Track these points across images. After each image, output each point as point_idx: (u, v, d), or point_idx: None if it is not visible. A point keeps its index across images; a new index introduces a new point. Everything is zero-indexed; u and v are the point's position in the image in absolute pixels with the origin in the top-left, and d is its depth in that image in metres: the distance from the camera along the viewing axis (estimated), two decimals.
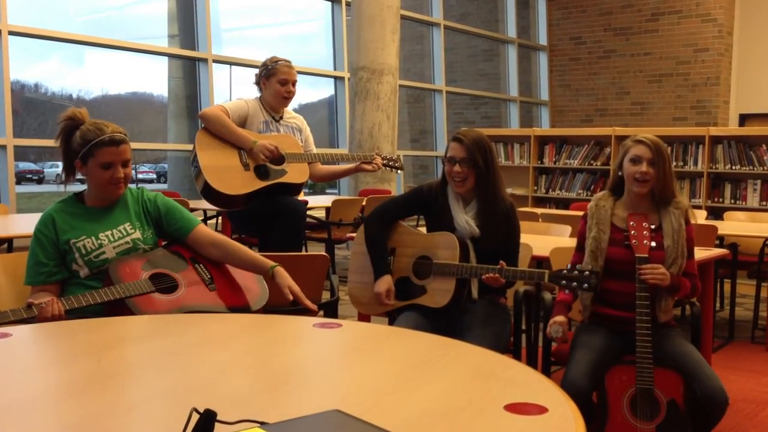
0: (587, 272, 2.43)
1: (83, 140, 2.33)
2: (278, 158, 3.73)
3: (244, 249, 2.46)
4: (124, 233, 2.37)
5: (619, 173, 2.68)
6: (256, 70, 3.93)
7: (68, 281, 2.32)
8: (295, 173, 3.78)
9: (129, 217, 2.41)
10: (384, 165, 3.96)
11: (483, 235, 2.71)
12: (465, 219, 2.72)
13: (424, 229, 2.93)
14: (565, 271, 2.47)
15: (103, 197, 2.39)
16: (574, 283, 2.45)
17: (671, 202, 2.62)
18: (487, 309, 2.71)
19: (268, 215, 3.69)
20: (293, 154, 3.78)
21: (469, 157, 2.69)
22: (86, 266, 2.30)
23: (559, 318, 2.57)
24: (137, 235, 2.38)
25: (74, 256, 2.30)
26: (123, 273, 2.24)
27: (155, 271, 2.29)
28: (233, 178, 3.64)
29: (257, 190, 3.67)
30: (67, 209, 2.37)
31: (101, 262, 2.31)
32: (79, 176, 2.43)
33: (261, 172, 3.71)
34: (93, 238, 2.32)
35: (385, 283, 2.75)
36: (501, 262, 2.57)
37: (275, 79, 3.82)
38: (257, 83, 3.90)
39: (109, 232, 2.35)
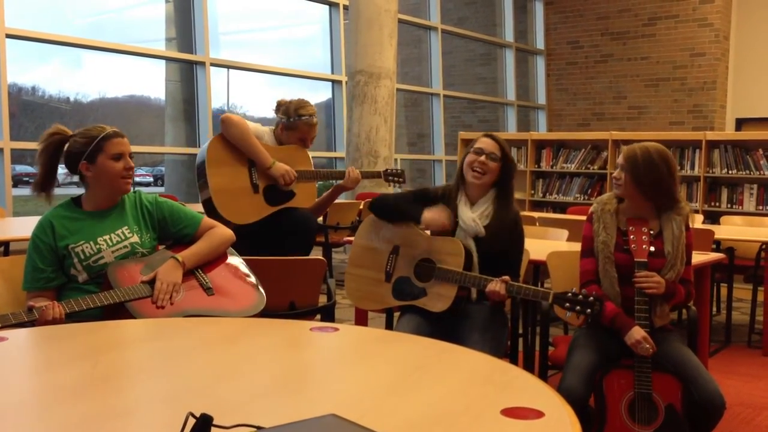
0: (592, 298, 2.39)
1: (88, 139, 2.34)
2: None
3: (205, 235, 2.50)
4: (123, 237, 2.37)
5: None
6: (276, 109, 3.68)
7: (66, 286, 2.31)
8: (303, 196, 3.59)
9: (127, 221, 2.41)
10: (385, 179, 3.77)
11: (488, 236, 2.71)
12: (471, 217, 2.73)
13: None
14: (569, 294, 2.42)
15: (112, 194, 2.40)
16: (578, 308, 2.40)
17: (674, 207, 2.62)
18: (486, 314, 2.71)
19: (276, 234, 3.52)
20: (304, 171, 3.59)
21: (501, 155, 2.77)
22: (85, 271, 2.30)
23: (640, 334, 2.44)
24: (135, 239, 2.38)
25: (73, 261, 2.29)
26: (122, 277, 2.24)
27: (154, 276, 2.29)
28: (243, 205, 3.46)
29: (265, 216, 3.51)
30: (66, 214, 2.36)
31: (100, 266, 2.30)
32: (71, 180, 2.44)
33: (270, 195, 3.53)
34: (92, 242, 2.32)
35: (432, 209, 2.74)
36: (506, 277, 2.55)
37: (297, 135, 3.62)
38: (276, 125, 3.67)
39: (107, 237, 2.35)
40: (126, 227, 2.39)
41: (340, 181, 3.72)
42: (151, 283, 2.25)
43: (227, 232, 2.53)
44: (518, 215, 2.81)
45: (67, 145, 2.38)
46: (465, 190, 2.81)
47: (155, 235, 2.46)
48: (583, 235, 2.72)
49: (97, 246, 2.32)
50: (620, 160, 2.62)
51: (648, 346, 2.41)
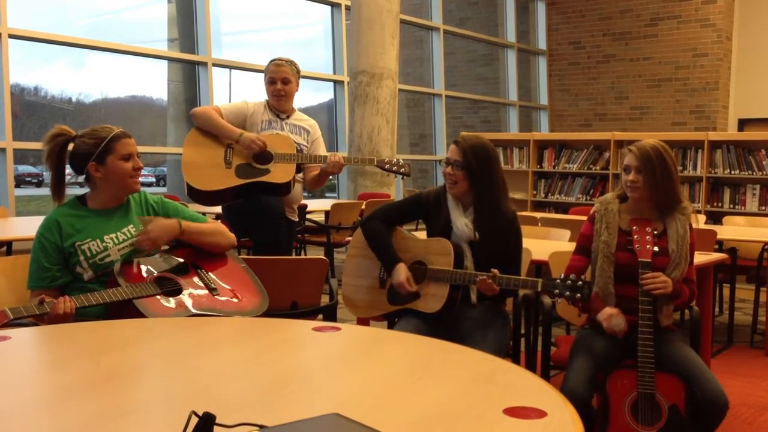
0: (580, 283, 2.43)
1: (96, 139, 2.34)
2: (266, 157, 3.57)
3: None
4: (129, 236, 2.38)
5: None
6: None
7: (70, 285, 2.32)
8: (278, 173, 3.57)
9: (132, 220, 2.42)
10: (387, 170, 3.62)
11: (481, 240, 2.71)
12: (464, 222, 2.72)
13: (421, 233, 2.93)
14: (558, 281, 2.46)
15: (120, 193, 2.41)
16: (567, 293, 2.44)
17: (677, 207, 2.62)
18: (487, 315, 2.71)
19: (246, 216, 3.58)
20: (283, 154, 3.58)
21: (463, 161, 2.69)
22: (91, 269, 2.31)
23: (612, 309, 2.51)
24: None
25: (79, 258, 2.30)
26: (128, 276, 2.25)
27: (160, 275, 2.30)
28: (209, 174, 3.55)
29: (235, 188, 3.54)
30: (72, 212, 2.37)
31: (106, 264, 2.31)
32: (75, 180, 2.43)
33: (241, 171, 3.57)
34: (98, 240, 2.33)
35: (402, 271, 2.68)
36: (493, 270, 2.56)
37: (266, 79, 3.78)
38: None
39: (113, 235, 2.36)
40: (132, 226, 2.40)
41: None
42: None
43: (231, 234, 2.56)
44: (514, 215, 2.77)
45: (72, 146, 2.39)
46: (449, 192, 2.78)
47: None
48: (580, 233, 2.73)
49: (104, 244, 2.33)
50: (633, 162, 2.58)
51: (621, 319, 2.45)
